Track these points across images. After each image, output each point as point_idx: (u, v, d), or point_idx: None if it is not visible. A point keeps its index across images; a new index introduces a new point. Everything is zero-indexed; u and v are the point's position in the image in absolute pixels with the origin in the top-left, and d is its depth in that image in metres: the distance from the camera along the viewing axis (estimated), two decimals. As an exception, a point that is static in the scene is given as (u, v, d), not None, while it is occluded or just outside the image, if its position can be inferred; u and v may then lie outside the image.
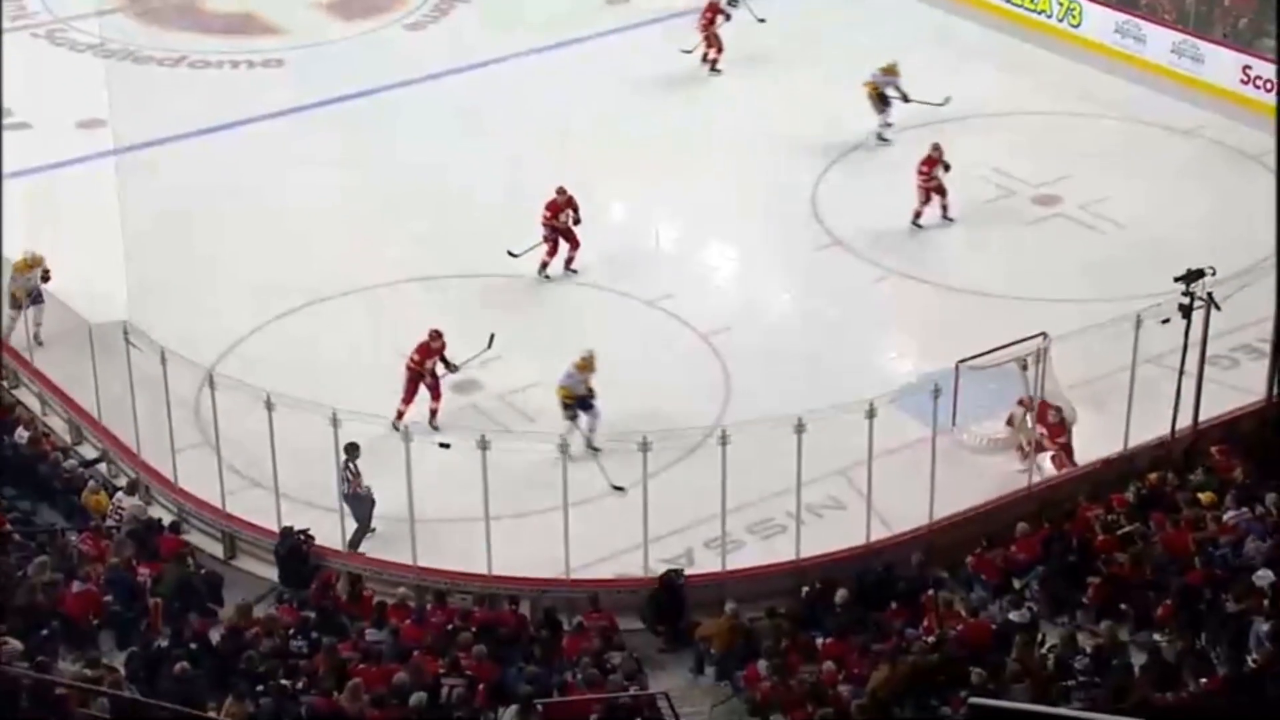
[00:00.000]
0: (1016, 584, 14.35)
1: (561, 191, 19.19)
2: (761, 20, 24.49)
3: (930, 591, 14.14)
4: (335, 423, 14.54)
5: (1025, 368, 16.31)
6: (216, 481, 15.62)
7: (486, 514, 14.71)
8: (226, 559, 15.82)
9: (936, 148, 20.38)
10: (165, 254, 20.06)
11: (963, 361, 16.37)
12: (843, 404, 14.60)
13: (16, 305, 17.76)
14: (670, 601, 14.58)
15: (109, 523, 15.60)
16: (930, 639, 13.22)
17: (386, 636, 13.70)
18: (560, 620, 14.27)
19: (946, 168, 20.30)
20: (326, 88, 24.36)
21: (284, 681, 12.80)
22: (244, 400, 15.08)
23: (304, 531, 15.23)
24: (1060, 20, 25.25)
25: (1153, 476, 15.34)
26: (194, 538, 15.91)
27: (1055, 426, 16.29)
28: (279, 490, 15.25)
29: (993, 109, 23.31)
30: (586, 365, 16.61)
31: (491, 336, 15.64)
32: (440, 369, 16.33)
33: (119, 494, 15.96)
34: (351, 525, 15.36)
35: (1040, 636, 13.28)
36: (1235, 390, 16.78)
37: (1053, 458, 16.37)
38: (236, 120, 23.66)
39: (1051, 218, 20.72)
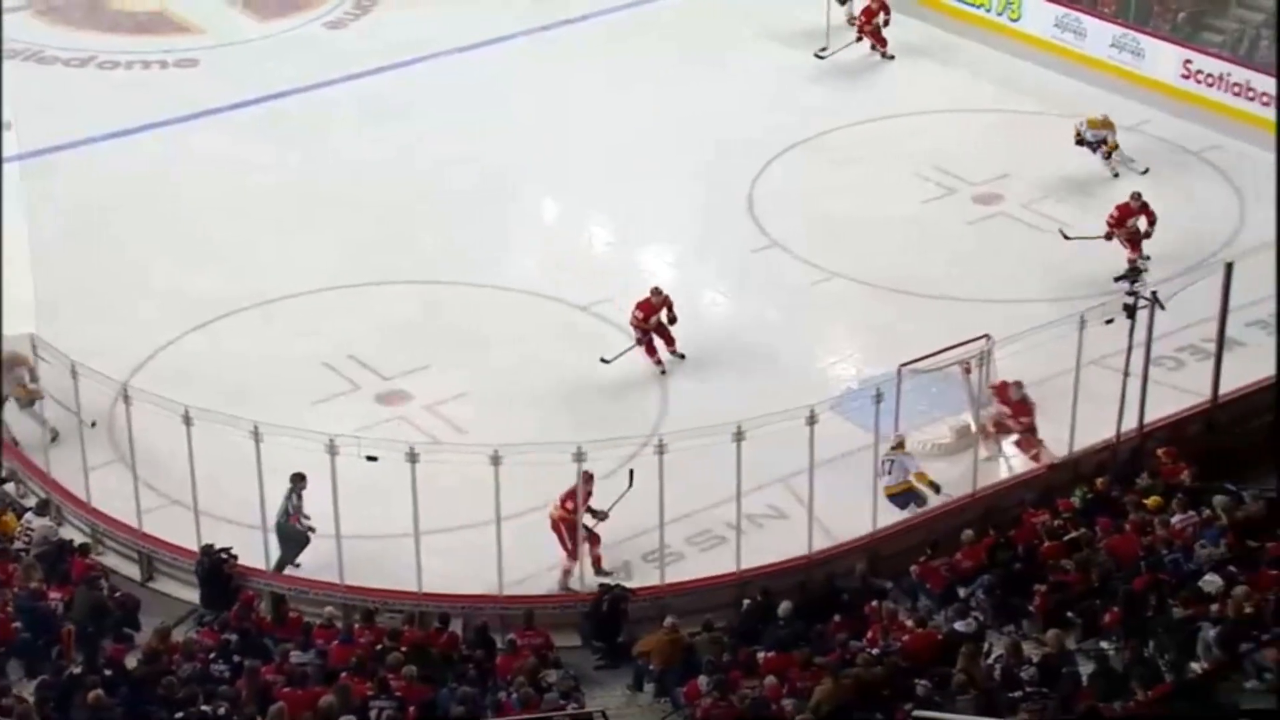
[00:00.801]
0: (962, 593, 14.46)
1: (657, 292, 17.73)
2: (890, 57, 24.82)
3: (874, 602, 14.22)
4: (257, 437, 14.43)
5: (968, 371, 16.43)
6: (132, 500, 15.44)
7: (416, 529, 14.65)
8: (143, 581, 15.64)
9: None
10: (75, 263, 19.83)
11: (905, 365, 16.46)
12: (783, 411, 14.66)
13: None
14: (608, 617, 14.57)
15: (17, 545, 15.38)
16: (874, 651, 13.28)
17: (312, 658, 13.60)
18: (493, 638, 14.22)
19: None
20: (243, 88, 24.19)
21: (205, 708, 12.68)
22: (160, 415, 14.92)
23: (225, 550, 15.10)
24: (1000, 15, 25.50)
25: (1099, 481, 15.50)
26: (108, 559, 15.73)
27: (1019, 404, 16.30)
28: (198, 508, 15.11)
29: (932, 106, 23.51)
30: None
31: (631, 473, 15.26)
32: (589, 520, 15.13)
33: (28, 515, 15.75)
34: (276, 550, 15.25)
35: (986, 646, 13.38)
36: (1181, 391, 17.01)
37: (1018, 440, 16.37)
38: (149, 122, 23.42)
39: (993, 216, 20.92)
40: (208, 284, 19.50)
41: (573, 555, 15.17)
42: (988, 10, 25.66)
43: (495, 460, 14.22)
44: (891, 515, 15.61)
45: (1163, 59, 23.66)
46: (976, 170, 21.86)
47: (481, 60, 25.19)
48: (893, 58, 24.37)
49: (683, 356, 18.02)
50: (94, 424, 16.22)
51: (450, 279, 19.79)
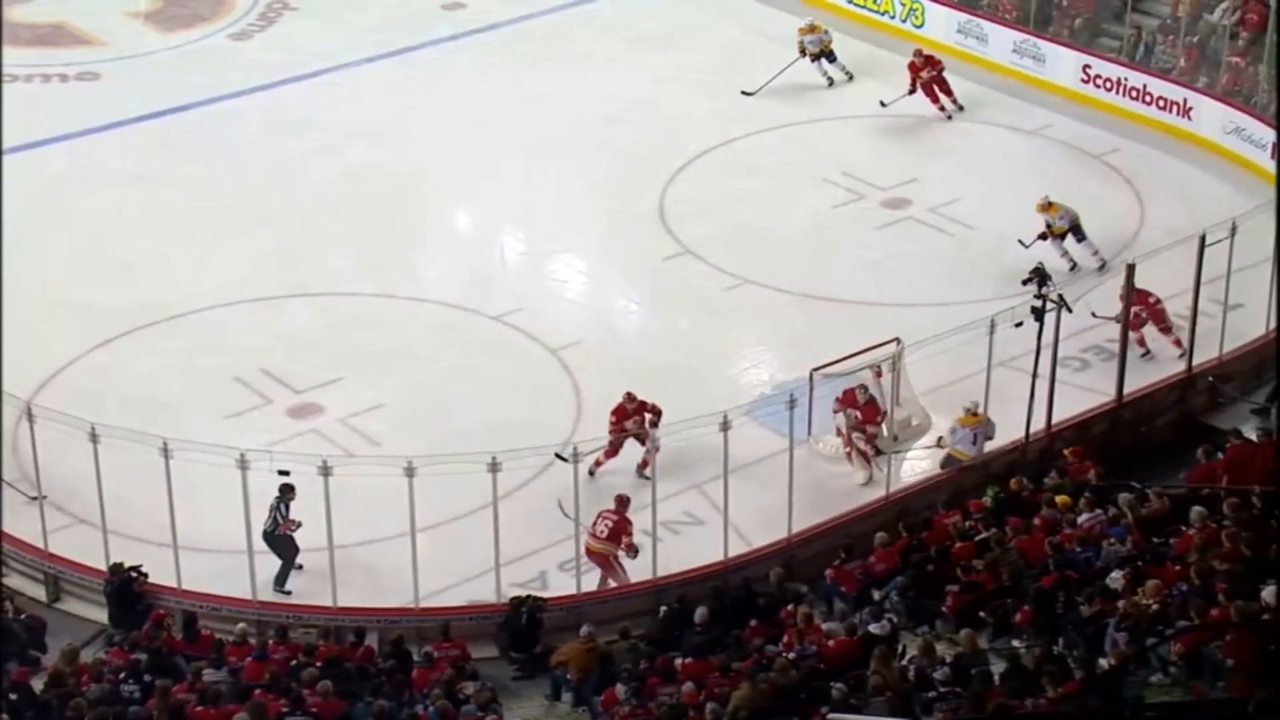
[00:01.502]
0: (876, 595, 14.57)
1: (630, 399, 16.57)
2: (849, 76, 24.37)
3: (790, 607, 14.29)
4: (166, 454, 14.24)
5: (879, 374, 16.58)
6: (37, 520, 15.17)
7: (330, 543, 14.54)
8: (50, 602, 15.39)
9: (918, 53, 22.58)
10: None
11: (817, 369, 16.59)
12: (697, 417, 14.70)
13: None
14: (526, 626, 14.54)
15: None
16: (791, 655, 13.35)
17: (225, 676, 13.44)
18: (410, 651, 14.14)
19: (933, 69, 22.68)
20: (147, 101, 23.88)
21: (115, 729, 12.48)
22: (66, 433, 14.69)
23: (135, 568, 14.89)
24: (903, 21, 25.76)
25: (1011, 481, 15.69)
26: (13, 581, 15.46)
27: (867, 407, 16.40)
28: (106, 527, 14.89)
29: (836, 111, 23.72)
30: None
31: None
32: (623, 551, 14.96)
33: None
34: (273, 564, 15.05)
35: (900, 647, 13.49)
36: (1087, 391, 17.27)
37: (850, 451, 16.32)
38: (50, 136, 23.06)
39: (902, 220, 21.13)
40: (113, 299, 19.23)
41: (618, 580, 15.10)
42: (891, 16, 25.91)
43: (410, 472, 14.14)
44: (806, 519, 15.68)
45: (1063, 64, 24.04)
46: (884, 175, 22.06)
47: (387, 70, 25.07)
48: (961, 108, 23.29)
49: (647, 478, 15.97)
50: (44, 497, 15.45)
51: (361, 291, 19.66)
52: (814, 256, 20.46)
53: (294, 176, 22.13)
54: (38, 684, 13.32)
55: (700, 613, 14.25)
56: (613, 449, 16.19)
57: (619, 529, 15.01)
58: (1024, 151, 22.86)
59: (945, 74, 23.25)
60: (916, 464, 16.77)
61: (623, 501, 15.18)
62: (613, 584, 15.17)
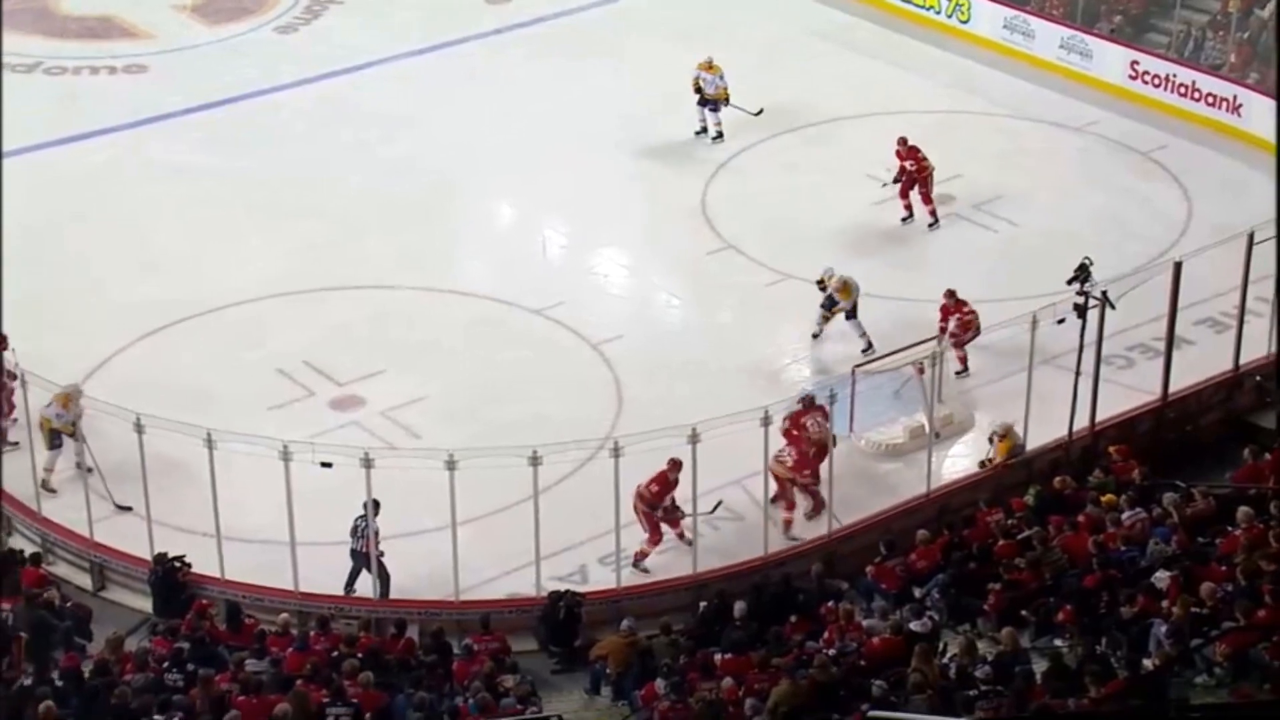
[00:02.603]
0: (917, 593, 14.54)
1: (903, 142, 19.81)
2: (759, 113, 22.88)
3: (830, 603, 14.27)
4: (210, 445, 14.35)
5: (922, 371, 16.52)
6: (83, 509, 15.32)
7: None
8: (95, 590, 15.53)
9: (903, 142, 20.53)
10: (22, 270, 19.60)
11: (858, 366, 16.55)
12: (738, 412, 14.70)
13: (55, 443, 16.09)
14: (564, 621, 14.57)
15: (-34, 557, 15.24)
16: (830, 651, 13.33)
17: (267, 666, 13.54)
18: (449, 643, 14.20)
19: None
20: (194, 93, 24.04)
21: (158, 717, 12.59)
22: (112, 423, 14.80)
23: (179, 558, 15.00)
24: (949, 16, 25.65)
25: (1056, 480, 15.61)
26: (59, 569, 15.61)
27: (802, 459, 15.45)
28: (151, 516, 15.00)
29: (882, 107, 23.64)
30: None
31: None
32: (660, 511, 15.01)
33: (-24, 523, 15.61)
34: (318, 557, 14.97)
35: (941, 645, 13.46)
36: (1131, 390, 17.17)
37: (778, 497, 15.54)
38: (97, 128, 23.25)
39: (945, 217, 21.03)
40: (159, 291, 19.37)
41: (652, 540, 15.21)
42: (937, 12, 25.80)
43: (450, 465, 14.19)
44: (847, 515, 15.65)
45: (1110, 60, 23.87)
46: (928, 171, 21.99)
47: (433, 64, 25.13)
48: (935, 223, 20.54)
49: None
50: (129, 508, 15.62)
51: (404, 284, 19.72)
52: (856, 251, 20.38)
53: (338, 169, 22.21)
54: (83, 671, 13.43)
55: (739, 607, 14.25)
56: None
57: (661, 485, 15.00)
58: (1070, 149, 22.71)
59: (931, 178, 20.43)
60: (958, 461, 16.71)
61: (675, 465, 15.00)
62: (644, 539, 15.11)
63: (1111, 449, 15.97)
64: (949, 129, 23.14)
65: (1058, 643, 13.49)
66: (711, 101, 22.52)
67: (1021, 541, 14.71)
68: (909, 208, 20.50)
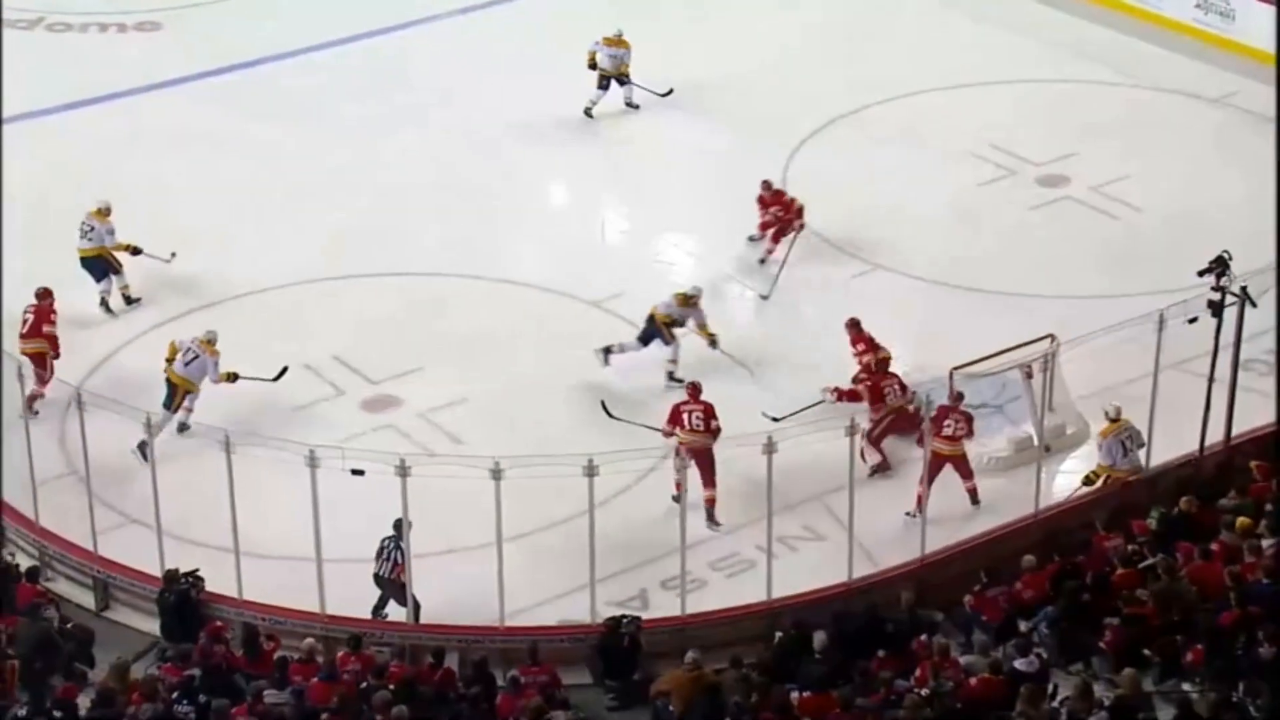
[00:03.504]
0: (1023, 627, 14.46)
1: (767, 187, 19.83)
2: (667, 93, 23.03)
3: (923, 636, 14.22)
4: (228, 448, 14.46)
5: (1030, 375, 16.42)
6: (86, 519, 15.49)
7: (407, 551, 14.68)
8: (99, 610, 15.69)
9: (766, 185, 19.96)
10: (22, 249, 19.89)
11: (958, 369, 16.48)
12: (820, 420, 14.65)
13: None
14: (622, 652, 14.59)
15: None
16: (923, 691, 13.29)
17: (289, 698, 13.63)
18: (494, 675, 14.25)
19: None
20: (214, 55, 24.29)
21: (168, 753, 12.70)
22: (120, 423, 14.96)
23: (192, 574, 15.14)
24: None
25: (1181, 501, 15.48)
26: (59, 586, 15.78)
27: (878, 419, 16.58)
28: (161, 528, 15.15)
29: (992, 76, 23.51)
30: (689, 301, 17.90)
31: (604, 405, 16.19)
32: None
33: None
34: (348, 576, 15.08)
35: (1051, 688, 13.38)
36: (1273, 399, 16.95)
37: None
38: (106, 93, 23.52)
39: (1059, 201, 20.91)
40: (173, 274, 19.56)
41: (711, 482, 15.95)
42: (1052, -33, 25.69)
43: (496, 474, 14.24)
44: (943, 538, 15.59)
45: (1256, 21, 23.59)
46: (1040, 149, 21.87)
47: (482, 23, 25.26)
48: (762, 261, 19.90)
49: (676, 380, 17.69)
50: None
51: (448, 271, 19.82)
52: (955, 240, 20.32)
53: (375, 141, 22.39)
54: (84, 701, 13.57)
55: (820, 639, 14.22)
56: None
57: (709, 414, 15.97)
58: (1205, 122, 22.50)
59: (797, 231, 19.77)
60: (1071, 478, 16.60)
61: (696, 389, 16.28)
62: (706, 492, 15.84)
63: (1253, 464, 15.78)
64: (1066, 101, 23.00)
65: (1186, 687, 13.37)
66: (615, 78, 22.57)
67: (1144, 570, 14.61)
68: (769, 253, 19.87)
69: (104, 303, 18.98)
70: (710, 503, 16.00)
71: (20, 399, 16.08)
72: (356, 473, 14.35)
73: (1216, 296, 15.63)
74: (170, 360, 17.09)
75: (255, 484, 14.92)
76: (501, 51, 24.41)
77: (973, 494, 16.21)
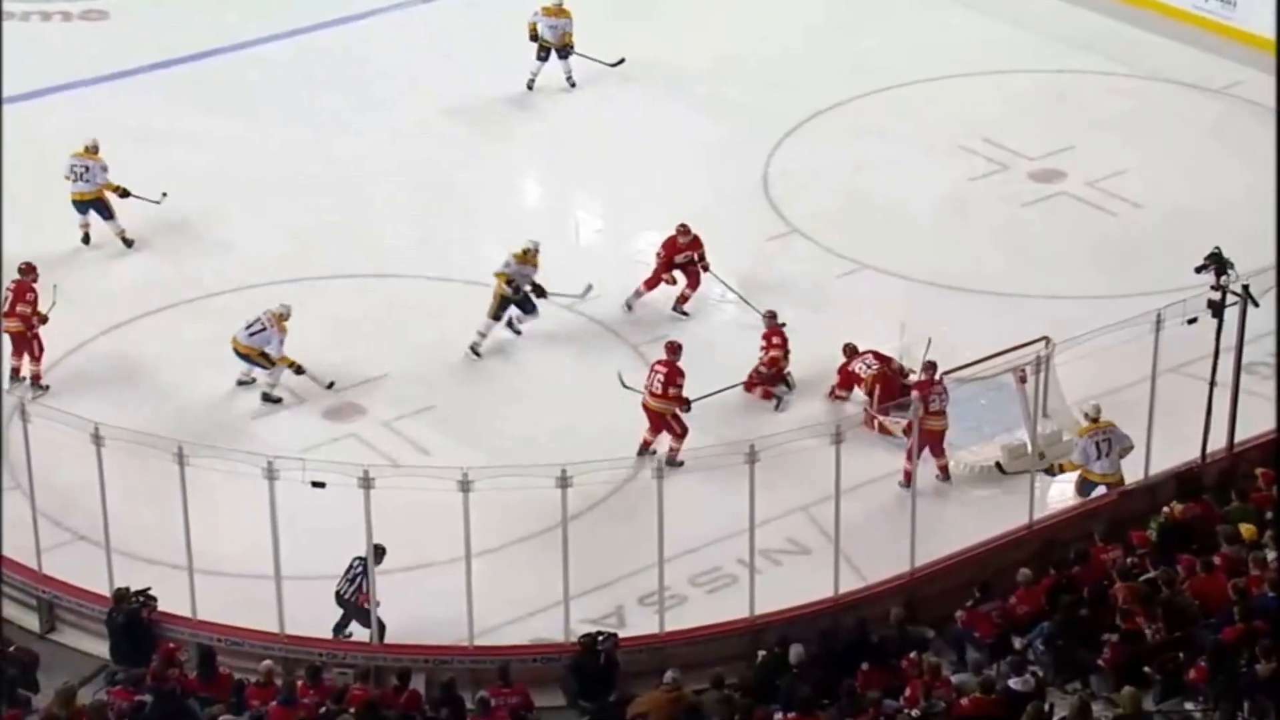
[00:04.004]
0: (1017, 643, 14.51)
1: (685, 231, 19.07)
2: (618, 63, 23.24)
3: (912, 654, 14.27)
4: (182, 460, 14.44)
5: (1024, 380, 16.49)
6: (30, 535, 15.46)
7: (370, 568, 14.68)
8: (43, 633, 15.65)
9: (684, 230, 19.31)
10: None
11: (948, 373, 16.54)
12: (805, 426, 14.70)
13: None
14: (598, 671, 14.61)
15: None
16: (913, 712, 13.33)
17: (246, 723, 13.63)
18: (462, 697, 14.26)
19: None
20: (164, 45, 24.23)
21: (119, 781, 12.69)
22: (65, 432, 14.94)
23: (143, 593, 15.12)
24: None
25: (1179, 509, 15.55)
26: (1, 607, 15.74)
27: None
28: (110, 545, 15.12)
29: (982, 65, 23.61)
30: (528, 258, 18.37)
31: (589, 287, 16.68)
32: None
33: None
34: (306, 593, 15.09)
35: (1047, 707, 13.43)
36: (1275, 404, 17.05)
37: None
38: (51, 85, 23.49)
39: (1054, 196, 20.99)
40: (125, 276, 19.57)
41: (680, 435, 16.69)
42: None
43: (465, 485, 14.25)
44: (933, 550, 15.63)
45: (1259, 9, 23.71)
46: (1034, 142, 21.95)
47: (449, 10, 25.22)
48: (687, 315, 19.22)
49: (687, 314, 19.00)
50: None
51: (412, 272, 19.84)
52: (947, 239, 20.38)
53: (335, 136, 22.39)
54: (28, 728, 13.56)
55: (796, 652, 14.21)
56: (653, 281, 18.76)
57: (671, 379, 16.59)
58: (1206, 114, 22.60)
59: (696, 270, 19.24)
60: (1066, 487, 16.66)
61: (673, 349, 16.83)
62: (672, 445, 16.54)
63: (1258, 472, 15.86)
64: (1060, 91, 23.07)
65: (1188, 706, 13.43)
66: (557, 49, 22.82)
67: (1144, 584, 14.65)
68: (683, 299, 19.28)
69: (86, 238, 20.17)
70: (673, 450, 16.59)
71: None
72: (317, 485, 14.32)
73: (1218, 296, 15.70)
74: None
75: (210, 497, 14.94)
76: (462, 41, 24.39)
77: (944, 471, 16.51)
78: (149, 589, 15.15)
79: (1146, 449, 16.17)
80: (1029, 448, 16.56)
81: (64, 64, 23.96)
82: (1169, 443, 16.24)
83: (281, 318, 17.72)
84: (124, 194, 19.83)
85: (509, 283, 18.34)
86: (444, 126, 22.46)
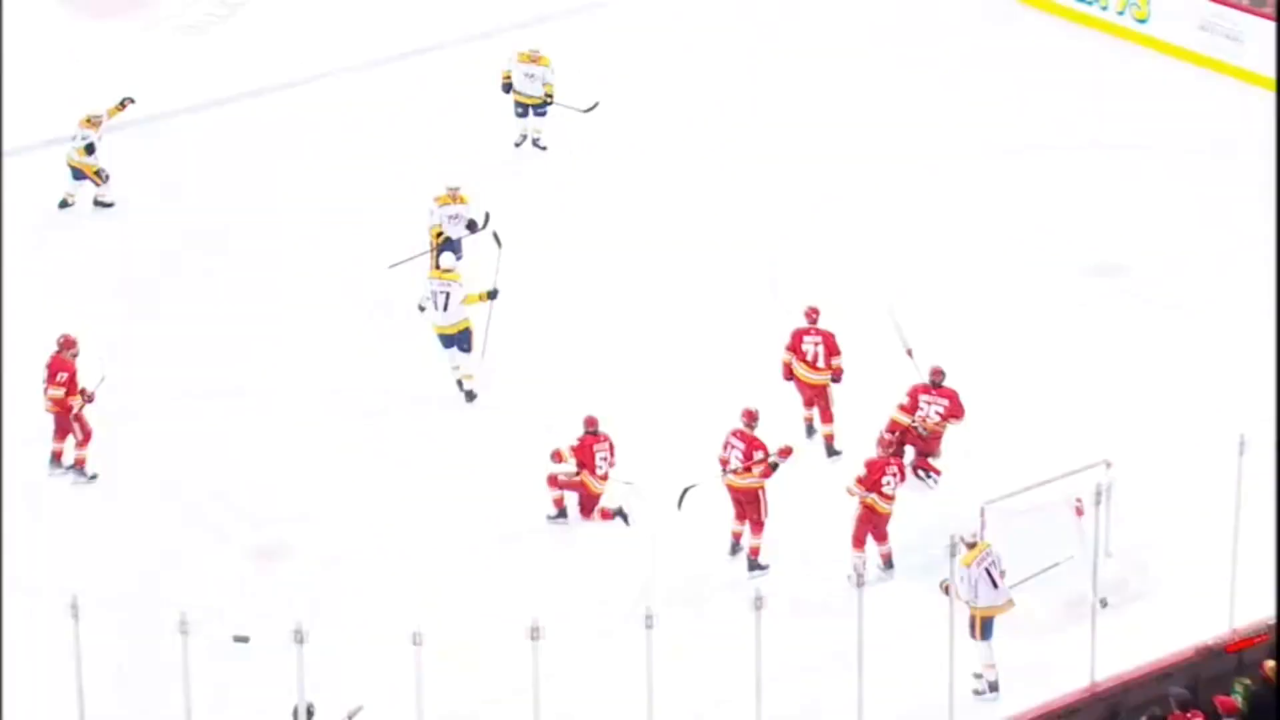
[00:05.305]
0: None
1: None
2: (591, 109, 23.61)
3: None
4: (77, 614, 14.06)
5: (1080, 512, 16.42)
6: None
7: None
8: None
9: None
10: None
11: (990, 502, 16.43)
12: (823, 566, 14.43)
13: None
14: None
15: None
16: None
17: None
18: None
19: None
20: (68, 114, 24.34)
21: None
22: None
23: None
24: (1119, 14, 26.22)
25: (1273, 668, 15.32)
26: None
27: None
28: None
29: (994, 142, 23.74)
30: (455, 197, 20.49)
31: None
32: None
33: None
34: None
35: None
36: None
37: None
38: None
39: (1112, 293, 21.06)
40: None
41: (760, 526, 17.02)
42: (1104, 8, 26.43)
43: (417, 640, 13.99)
44: (976, 717, 15.53)
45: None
46: (1087, 226, 22.22)
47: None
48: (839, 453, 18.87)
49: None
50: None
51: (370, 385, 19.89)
52: (980, 328, 20.30)
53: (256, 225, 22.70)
54: None
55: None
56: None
57: (750, 451, 16.85)
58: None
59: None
60: (1135, 639, 16.45)
61: (751, 416, 17.06)
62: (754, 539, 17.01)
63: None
64: (1121, 169, 23.24)
65: None
66: (533, 106, 23.28)
67: (1233, 760, 14.47)
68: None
69: (65, 203, 22.74)
70: (755, 551, 16.92)
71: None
72: (240, 639, 14.32)
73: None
74: None
75: (106, 658, 14.80)
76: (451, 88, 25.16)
77: (885, 559, 17.01)
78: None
79: (1230, 595, 15.99)
80: (1090, 594, 16.35)
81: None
82: (1259, 587, 16.04)
83: (449, 271, 19.15)
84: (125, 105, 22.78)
85: (438, 235, 20.14)
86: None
